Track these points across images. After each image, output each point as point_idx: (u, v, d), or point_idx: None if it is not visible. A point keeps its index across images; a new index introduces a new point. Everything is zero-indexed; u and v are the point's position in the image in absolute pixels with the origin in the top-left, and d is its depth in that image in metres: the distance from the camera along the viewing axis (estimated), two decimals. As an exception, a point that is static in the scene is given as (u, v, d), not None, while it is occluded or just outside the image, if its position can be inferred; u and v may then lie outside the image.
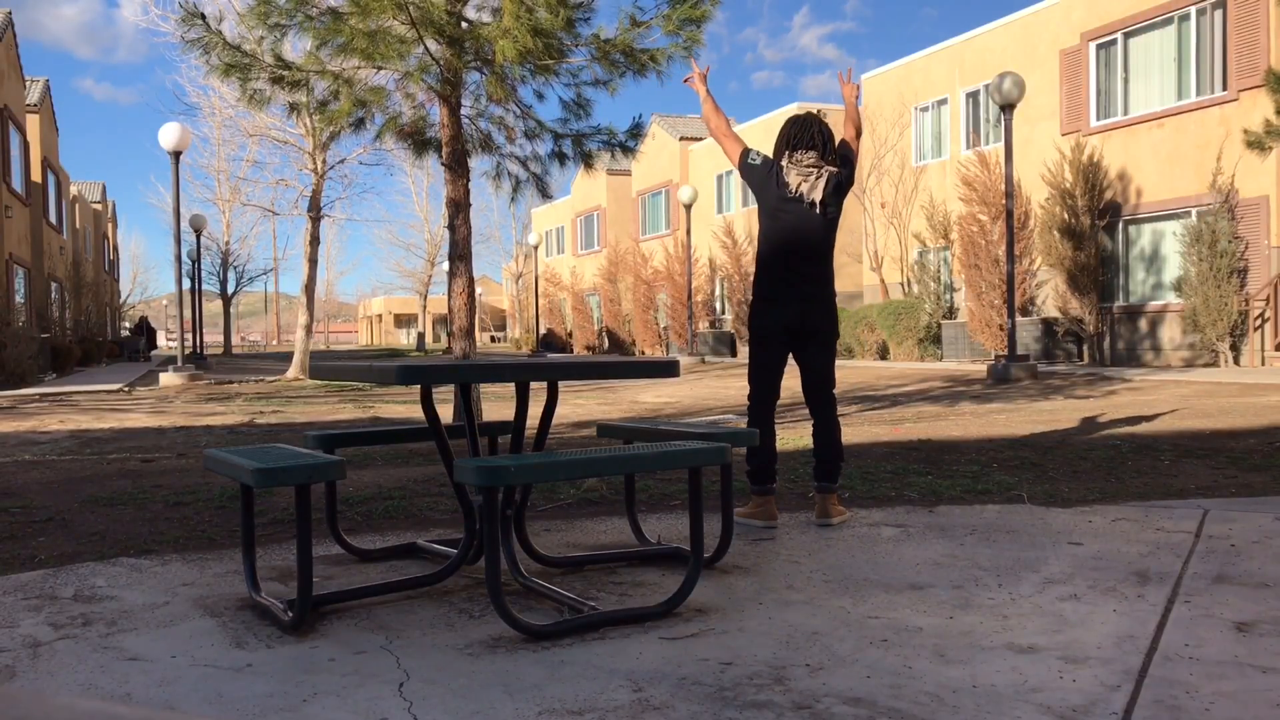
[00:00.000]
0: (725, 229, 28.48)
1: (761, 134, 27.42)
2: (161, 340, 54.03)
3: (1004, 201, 15.10)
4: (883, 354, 22.16)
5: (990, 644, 2.61)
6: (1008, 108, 13.95)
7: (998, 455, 6.28)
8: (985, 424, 8.25)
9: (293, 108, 9.03)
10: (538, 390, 3.73)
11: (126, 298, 56.33)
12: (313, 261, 19.00)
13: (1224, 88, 15.90)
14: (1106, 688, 2.29)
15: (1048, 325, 18.46)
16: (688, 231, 25.27)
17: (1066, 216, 17.85)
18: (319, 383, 15.78)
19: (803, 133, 4.37)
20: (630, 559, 3.67)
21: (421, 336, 51.07)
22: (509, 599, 2.96)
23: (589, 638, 2.73)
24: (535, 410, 3.72)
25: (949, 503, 4.71)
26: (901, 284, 23.04)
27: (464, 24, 7.89)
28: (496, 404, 10.47)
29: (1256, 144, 13.12)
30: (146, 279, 79.38)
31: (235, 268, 41.70)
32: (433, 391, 3.43)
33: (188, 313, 26.82)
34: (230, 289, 41.39)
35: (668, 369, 3.51)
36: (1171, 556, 3.52)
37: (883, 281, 23.56)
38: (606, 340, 35.92)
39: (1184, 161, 16.51)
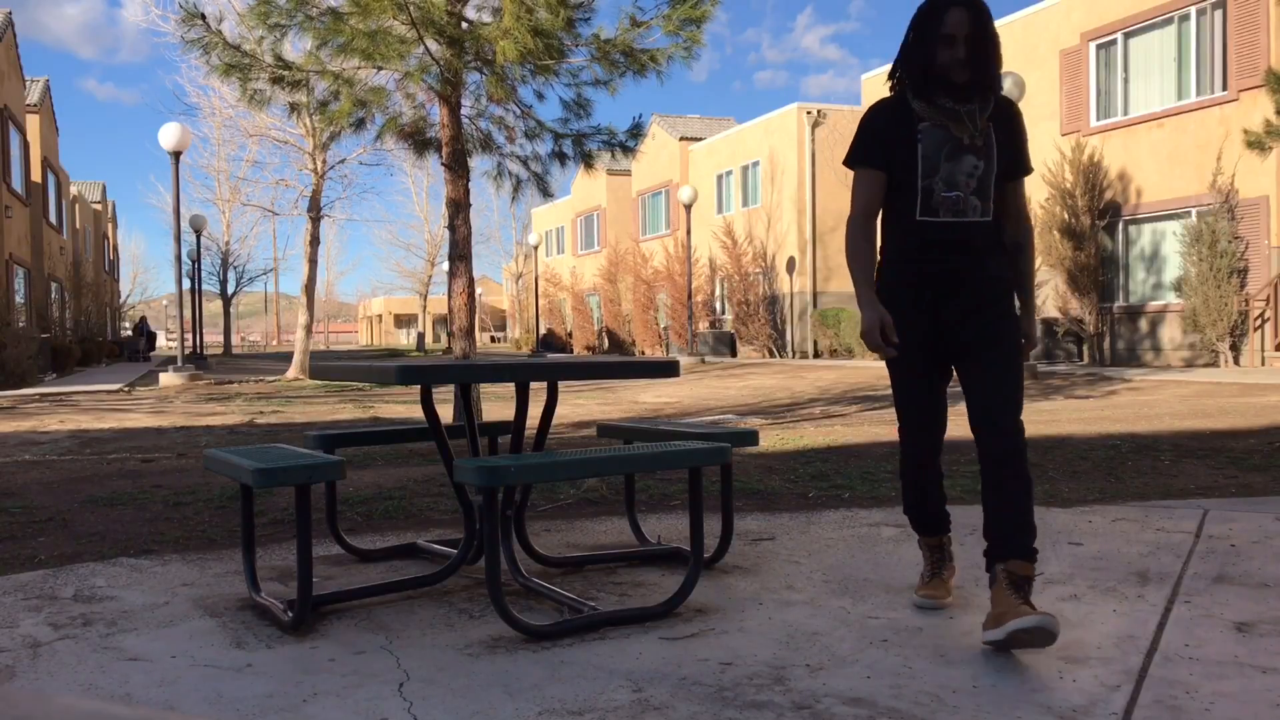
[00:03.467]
0: (725, 229, 28.46)
1: (761, 134, 27.45)
2: (161, 340, 54.01)
3: (1004, 201, 15.08)
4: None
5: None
6: (1008, 108, 13.93)
7: (998, 455, 6.26)
8: (985, 424, 8.23)
9: (293, 108, 9.04)
10: (538, 390, 3.73)
11: (126, 298, 56.30)
12: (313, 261, 19.01)
13: (1224, 88, 15.90)
14: (1106, 688, 2.29)
15: (1048, 325, 18.46)
16: (688, 231, 25.26)
17: (1066, 216, 17.85)
18: (319, 383, 15.78)
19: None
20: (630, 559, 3.67)
21: (421, 336, 51.07)
22: (509, 599, 2.96)
23: (589, 638, 2.73)
24: (535, 410, 3.72)
25: (949, 503, 4.69)
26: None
27: (464, 24, 7.89)
28: (496, 404, 10.46)
29: (1256, 144, 13.13)
30: (146, 279, 79.39)
31: (235, 268, 41.72)
32: (433, 391, 3.43)
33: (188, 313, 26.82)
34: (230, 289, 41.38)
35: (668, 369, 3.50)
36: (1171, 557, 3.52)
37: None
38: (606, 340, 35.91)
39: (1184, 161, 16.51)
